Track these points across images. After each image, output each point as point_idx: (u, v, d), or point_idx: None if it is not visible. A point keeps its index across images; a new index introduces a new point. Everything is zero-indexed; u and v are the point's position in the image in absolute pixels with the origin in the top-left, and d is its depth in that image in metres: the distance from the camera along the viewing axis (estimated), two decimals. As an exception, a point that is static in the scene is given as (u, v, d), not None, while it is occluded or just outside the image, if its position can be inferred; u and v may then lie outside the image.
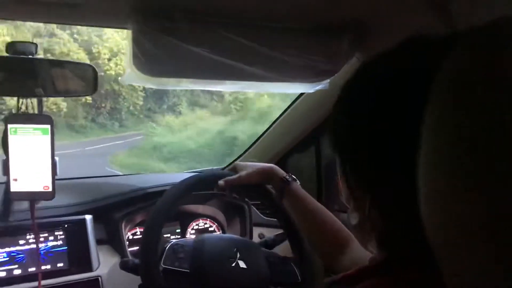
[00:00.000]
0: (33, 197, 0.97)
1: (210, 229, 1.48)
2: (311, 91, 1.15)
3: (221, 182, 1.03)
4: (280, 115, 1.52)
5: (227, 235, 1.18)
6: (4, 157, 0.96)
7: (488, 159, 0.31)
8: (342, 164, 0.54)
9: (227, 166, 1.79)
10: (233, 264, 1.00)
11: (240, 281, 0.99)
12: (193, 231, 1.45)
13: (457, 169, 0.32)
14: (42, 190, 0.96)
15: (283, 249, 1.23)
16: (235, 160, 1.77)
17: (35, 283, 1.04)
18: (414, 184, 0.39)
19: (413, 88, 0.44)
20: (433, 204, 0.36)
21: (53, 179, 0.96)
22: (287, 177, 1.02)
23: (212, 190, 1.11)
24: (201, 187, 1.08)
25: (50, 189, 0.96)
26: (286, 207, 1.03)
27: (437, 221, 0.36)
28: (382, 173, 0.48)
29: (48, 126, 0.96)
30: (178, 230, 1.43)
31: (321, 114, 1.34)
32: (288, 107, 1.47)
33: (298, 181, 1.04)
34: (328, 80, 1.11)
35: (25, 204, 1.21)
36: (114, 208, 1.27)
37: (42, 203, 1.04)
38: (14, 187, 0.95)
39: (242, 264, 1.02)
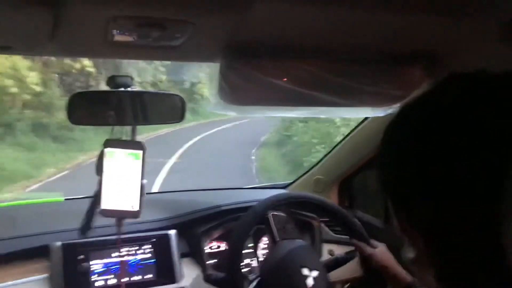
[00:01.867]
0: (121, 215, 1.07)
1: (280, 244, 1.55)
2: (382, 115, 1.19)
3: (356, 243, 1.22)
4: (348, 135, 1.58)
5: (286, 255, 1.21)
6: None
7: None
8: (393, 207, 0.53)
9: (292, 182, 1.87)
10: (304, 273, 1.09)
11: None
12: (265, 245, 1.53)
13: None
14: (130, 209, 1.05)
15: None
16: (301, 176, 1.83)
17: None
18: (470, 223, 0.41)
19: (454, 128, 0.44)
20: None
21: (141, 200, 1.06)
22: (414, 284, 1.07)
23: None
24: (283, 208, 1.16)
25: (137, 209, 1.05)
26: None
27: None
28: (435, 218, 0.47)
29: (141, 152, 1.07)
30: (251, 245, 1.51)
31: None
32: (356, 127, 1.52)
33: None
34: (399, 105, 1.15)
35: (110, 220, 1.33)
36: (195, 223, 1.37)
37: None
38: (105, 205, 1.05)
39: (309, 281, 1.10)
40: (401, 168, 0.50)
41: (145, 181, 1.08)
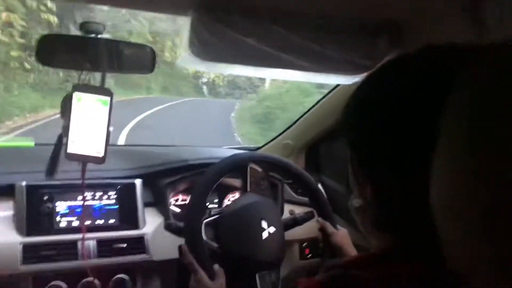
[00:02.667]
0: (86, 160, 1.08)
1: (244, 202, 1.61)
2: (348, 83, 1.23)
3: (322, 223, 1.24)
4: (317, 102, 1.61)
5: (249, 204, 1.26)
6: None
7: (492, 159, 0.35)
8: (350, 152, 0.60)
9: (262, 146, 1.91)
10: (262, 225, 1.14)
11: (255, 240, 1.15)
12: (229, 202, 1.57)
13: (467, 165, 0.37)
14: (95, 154, 1.06)
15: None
16: (271, 140, 1.87)
17: (90, 234, 1.20)
18: (413, 178, 0.46)
19: (422, 93, 0.50)
20: (442, 189, 0.41)
21: (106, 147, 1.07)
22: None
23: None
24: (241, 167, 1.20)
25: (102, 155, 1.06)
26: None
27: (445, 214, 0.40)
28: (382, 169, 0.54)
29: (108, 98, 1.08)
30: (216, 200, 1.56)
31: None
32: (326, 95, 1.55)
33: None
34: (365, 74, 1.18)
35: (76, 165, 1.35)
36: (161, 175, 1.40)
37: (100, 166, 1.17)
38: (71, 149, 1.06)
39: (264, 234, 1.16)
40: (362, 117, 0.57)
41: (111, 128, 1.09)
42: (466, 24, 0.90)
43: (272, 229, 1.20)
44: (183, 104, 13.84)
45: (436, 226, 0.41)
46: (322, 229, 1.24)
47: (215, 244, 1.14)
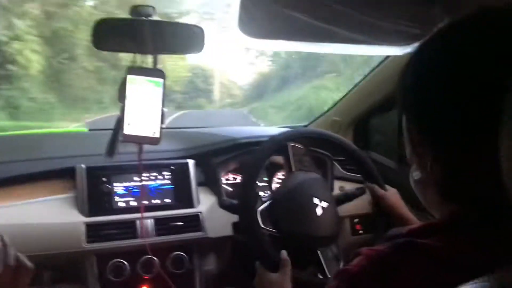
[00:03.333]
0: (142, 141, 1.11)
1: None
2: (400, 53, 1.20)
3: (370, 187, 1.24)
4: (365, 76, 1.58)
5: (297, 182, 1.27)
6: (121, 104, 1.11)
7: None
8: (408, 122, 0.60)
9: (310, 123, 1.90)
10: (315, 202, 1.14)
11: (309, 216, 1.16)
12: (279, 180, 1.58)
13: None
14: (151, 135, 1.09)
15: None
16: (318, 117, 1.86)
17: (147, 214, 1.24)
18: (480, 144, 0.45)
19: (486, 56, 0.49)
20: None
21: (161, 127, 1.09)
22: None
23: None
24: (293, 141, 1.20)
25: (158, 136, 1.08)
26: None
27: None
28: (445, 133, 0.53)
29: (161, 80, 1.09)
30: (266, 179, 1.57)
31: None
32: (374, 68, 1.52)
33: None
34: (418, 44, 1.15)
35: (132, 147, 1.40)
36: (212, 155, 1.43)
37: (153, 147, 1.20)
38: (127, 130, 1.09)
39: (319, 210, 1.16)
40: (421, 85, 0.56)
41: (165, 109, 1.11)
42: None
43: (325, 204, 1.20)
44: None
45: (507, 190, 0.40)
46: (372, 192, 1.24)
47: (273, 230, 1.15)
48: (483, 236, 0.52)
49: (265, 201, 1.17)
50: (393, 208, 1.17)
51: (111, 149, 1.18)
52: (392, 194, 1.22)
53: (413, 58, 0.59)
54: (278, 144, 1.19)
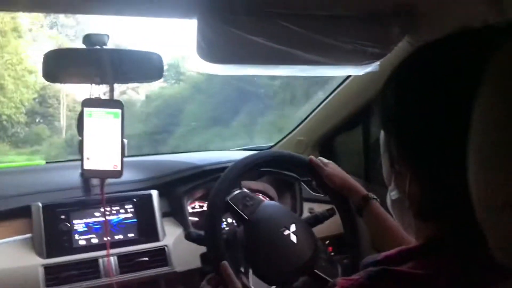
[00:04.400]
0: (103, 175, 1.08)
1: (262, 204, 1.58)
2: (362, 73, 1.20)
3: (313, 159, 1.17)
4: (328, 95, 1.58)
5: (288, 209, 1.26)
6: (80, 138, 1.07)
7: None
8: (387, 139, 0.59)
9: (275, 144, 1.88)
10: (285, 233, 1.09)
11: (285, 251, 1.08)
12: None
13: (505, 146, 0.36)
14: (112, 168, 1.05)
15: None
16: (284, 138, 1.84)
17: (110, 251, 1.18)
18: (457, 162, 0.44)
19: (462, 75, 0.48)
20: (481, 176, 0.40)
21: (122, 159, 1.05)
22: (369, 195, 1.07)
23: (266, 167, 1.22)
24: (259, 166, 1.16)
25: (119, 168, 1.04)
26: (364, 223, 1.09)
27: (484, 194, 0.39)
28: (424, 150, 0.52)
29: (119, 111, 1.06)
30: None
31: (370, 95, 1.38)
32: (336, 87, 1.52)
33: (377, 199, 1.07)
34: (378, 63, 1.15)
35: (96, 180, 1.34)
36: (177, 184, 1.38)
37: (113, 179, 1.15)
38: (87, 165, 1.05)
39: (293, 238, 1.11)
40: (402, 102, 0.55)
41: (125, 140, 1.07)
42: (482, 6, 0.87)
43: (293, 227, 1.15)
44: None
45: (478, 218, 0.40)
46: (317, 170, 1.17)
47: (242, 266, 1.09)
48: (462, 259, 0.50)
49: (235, 231, 1.13)
50: (342, 181, 1.12)
51: (87, 186, 1.14)
52: (334, 168, 1.16)
53: (392, 76, 0.58)
54: (250, 166, 1.15)
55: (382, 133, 0.61)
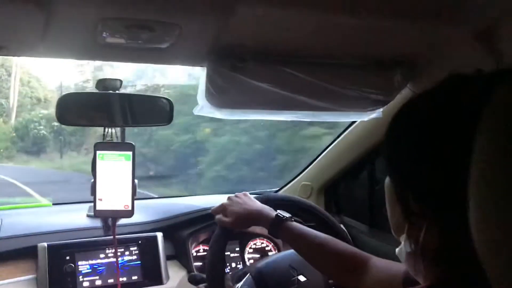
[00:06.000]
0: (115, 215, 1.11)
1: (266, 248, 1.57)
2: (366, 119, 1.23)
3: (213, 210, 1.08)
4: (333, 141, 1.60)
5: (279, 255, 1.24)
6: (92, 180, 1.10)
7: None
8: (399, 191, 0.57)
9: (281, 188, 1.89)
10: (295, 281, 1.08)
11: None
12: (251, 250, 1.54)
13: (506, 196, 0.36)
14: (123, 209, 1.08)
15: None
16: (288, 183, 1.86)
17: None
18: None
19: (456, 122, 0.49)
20: (484, 228, 0.39)
21: (133, 199, 1.09)
22: (279, 216, 1.01)
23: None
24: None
25: (130, 208, 1.08)
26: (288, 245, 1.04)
27: (488, 246, 0.39)
28: (439, 198, 0.51)
29: (130, 153, 1.10)
30: (237, 249, 1.52)
31: (375, 141, 1.41)
32: (341, 133, 1.55)
33: (292, 218, 1.02)
34: (381, 109, 1.19)
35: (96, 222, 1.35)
36: (182, 226, 1.39)
37: (118, 220, 1.17)
38: (99, 206, 1.08)
39: (302, 278, 1.11)
40: (412, 150, 0.55)
41: (136, 181, 1.10)
42: (481, 54, 0.91)
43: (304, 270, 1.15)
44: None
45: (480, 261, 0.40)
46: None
47: None
48: None
49: (239, 275, 1.13)
50: (246, 215, 1.02)
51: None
52: (236, 205, 1.04)
53: (393, 125, 0.59)
54: None
55: (388, 184, 0.61)
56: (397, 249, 0.61)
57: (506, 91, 0.39)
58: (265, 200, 1.13)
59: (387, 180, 0.61)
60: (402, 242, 0.59)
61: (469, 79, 0.53)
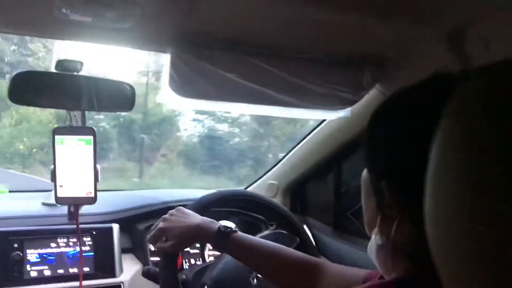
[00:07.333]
0: (77, 202, 1.05)
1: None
2: (334, 118, 1.21)
3: (158, 247, 1.00)
4: (301, 141, 1.58)
5: (228, 258, 1.12)
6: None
7: (488, 193, 0.33)
8: (376, 184, 0.57)
9: (248, 186, 1.86)
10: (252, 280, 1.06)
11: None
12: (211, 247, 1.50)
13: (459, 198, 0.35)
14: (85, 195, 1.04)
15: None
16: (256, 181, 1.83)
17: (61, 284, 1.13)
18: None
19: (432, 119, 0.49)
20: (435, 227, 0.39)
21: (95, 186, 1.04)
22: (222, 229, 0.94)
23: (233, 207, 1.20)
24: (221, 205, 1.14)
25: (93, 195, 1.04)
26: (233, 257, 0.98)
27: (439, 244, 0.39)
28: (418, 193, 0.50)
29: (91, 137, 1.05)
30: (197, 245, 1.48)
31: (342, 141, 1.39)
32: (309, 133, 1.53)
33: (237, 230, 0.95)
34: (350, 108, 1.17)
35: (58, 210, 1.30)
36: (139, 219, 1.34)
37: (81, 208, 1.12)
38: (60, 193, 1.03)
39: (258, 276, 1.08)
40: (393, 144, 0.55)
41: (99, 166, 1.06)
42: (450, 53, 0.90)
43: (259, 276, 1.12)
44: None
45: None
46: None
47: None
48: None
49: (197, 270, 1.09)
50: (185, 230, 0.95)
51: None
52: (174, 221, 0.98)
53: (380, 117, 0.59)
54: (217, 202, 1.12)
55: (365, 177, 0.61)
56: (370, 244, 0.61)
57: (463, 90, 0.38)
58: (199, 206, 1.08)
59: (364, 172, 0.61)
60: (373, 236, 0.59)
61: (452, 77, 0.53)
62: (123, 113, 2.86)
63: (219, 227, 0.94)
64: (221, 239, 0.93)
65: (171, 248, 0.96)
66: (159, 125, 3.68)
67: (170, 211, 1.00)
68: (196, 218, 0.98)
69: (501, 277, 0.32)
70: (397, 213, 0.54)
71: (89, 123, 1.10)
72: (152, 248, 1.38)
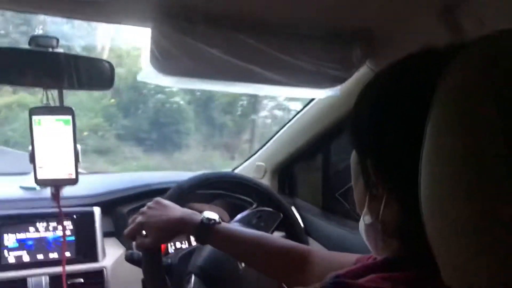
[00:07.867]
0: (58, 183, 1.02)
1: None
2: (322, 96, 1.17)
3: (137, 244, 0.94)
4: (290, 120, 1.54)
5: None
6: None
7: (483, 168, 0.32)
8: (363, 163, 0.56)
9: (234, 169, 1.83)
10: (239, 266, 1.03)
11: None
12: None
13: (456, 175, 0.35)
14: (67, 177, 1.01)
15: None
16: (243, 162, 1.79)
17: (41, 270, 1.09)
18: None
19: (423, 95, 0.46)
20: (432, 206, 0.38)
21: (76, 166, 1.01)
22: (205, 221, 0.89)
23: (217, 190, 1.16)
24: (207, 187, 1.10)
25: (74, 176, 1.01)
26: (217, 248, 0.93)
27: (436, 224, 0.38)
28: (402, 171, 0.50)
29: (70, 117, 1.01)
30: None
31: (331, 120, 1.35)
32: (296, 114, 1.49)
33: (220, 221, 0.90)
34: (339, 87, 1.13)
35: (37, 194, 1.26)
36: (122, 202, 1.30)
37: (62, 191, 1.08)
38: (40, 175, 0.99)
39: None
40: (378, 123, 0.53)
41: (79, 146, 1.02)
42: (443, 29, 0.86)
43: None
44: None
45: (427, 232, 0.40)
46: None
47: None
48: (422, 277, 0.49)
49: (182, 255, 1.06)
50: (165, 223, 0.90)
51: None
52: (154, 215, 0.91)
53: (365, 96, 0.57)
54: (183, 193, 1.07)
55: (354, 157, 0.59)
56: (360, 224, 0.60)
57: (458, 66, 0.37)
58: (178, 194, 1.03)
59: (354, 152, 0.60)
60: (362, 216, 0.58)
61: (440, 53, 0.51)
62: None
63: (201, 220, 0.89)
64: (204, 232, 0.88)
65: (151, 244, 0.91)
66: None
67: (148, 204, 0.94)
68: (176, 210, 0.92)
69: (498, 250, 0.32)
70: (383, 192, 0.53)
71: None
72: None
